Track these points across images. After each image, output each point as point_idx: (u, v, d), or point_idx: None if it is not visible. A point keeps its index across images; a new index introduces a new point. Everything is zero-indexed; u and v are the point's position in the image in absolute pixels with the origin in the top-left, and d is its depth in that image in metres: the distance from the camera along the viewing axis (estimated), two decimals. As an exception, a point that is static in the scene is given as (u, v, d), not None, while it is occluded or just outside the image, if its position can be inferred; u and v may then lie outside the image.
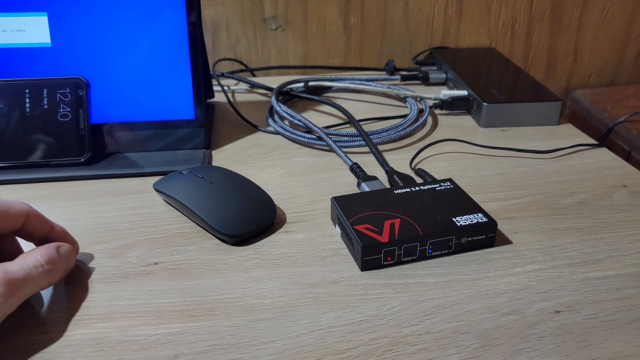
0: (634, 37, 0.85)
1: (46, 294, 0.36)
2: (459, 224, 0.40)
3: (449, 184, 0.45)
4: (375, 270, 0.38)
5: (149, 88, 0.54)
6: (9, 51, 0.52)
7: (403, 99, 0.69)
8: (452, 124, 0.63)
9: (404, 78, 0.73)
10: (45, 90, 0.50)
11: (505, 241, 0.42)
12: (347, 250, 0.41)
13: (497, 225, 0.40)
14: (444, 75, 0.74)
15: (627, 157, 0.70)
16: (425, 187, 0.45)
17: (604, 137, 0.74)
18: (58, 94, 0.51)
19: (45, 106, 0.50)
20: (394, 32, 0.79)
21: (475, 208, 0.42)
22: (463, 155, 0.55)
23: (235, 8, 0.74)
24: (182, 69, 0.54)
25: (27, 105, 0.50)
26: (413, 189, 0.44)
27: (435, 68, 0.77)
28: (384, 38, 0.80)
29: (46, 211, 0.45)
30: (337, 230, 0.43)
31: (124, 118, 0.54)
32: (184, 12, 0.52)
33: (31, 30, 0.52)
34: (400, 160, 0.54)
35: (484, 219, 0.41)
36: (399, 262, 0.39)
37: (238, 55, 0.78)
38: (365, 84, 0.70)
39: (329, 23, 0.77)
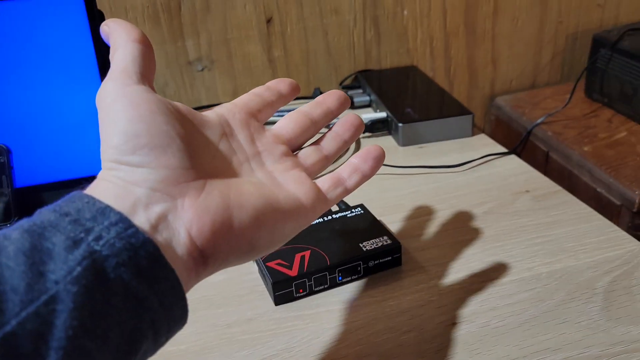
0: (547, 41, 0.90)
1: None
2: (365, 249, 0.42)
3: (359, 209, 0.48)
4: (289, 303, 0.41)
5: (74, 146, 0.56)
6: None
7: (327, 125, 0.72)
8: (374, 146, 0.65)
9: (329, 105, 0.76)
10: (-35, 161, 0.52)
11: (413, 259, 0.44)
12: (264, 286, 0.43)
13: (400, 246, 0.43)
14: (367, 98, 0.77)
15: (546, 159, 0.74)
16: (337, 216, 0.47)
17: (525, 141, 0.78)
18: (-21, 163, 0.52)
19: (-33, 176, 0.52)
20: (318, 61, 0.82)
21: (382, 231, 0.44)
22: (381, 177, 0.58)
23: (158, 54, 0.76)
24: (102, 124, 0.56)
25: (-51, 177, 0.51)
26: (325, 219, 0.47)
27: (361, 91, 0.80)
28: (309, 67, 0.83)
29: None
30: (256, 267, 0.45)
31: (51, 178, 0.56)
32: (97, 73, 0.54)
33: (-54, 103, 0.53)
34: (321, 189, 0.56)
35: (389, 241, 0.43)
36: (312, 293, 0.41)
37: (168, 97, 0.80)
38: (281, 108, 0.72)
39: (253, 59, 0.80)
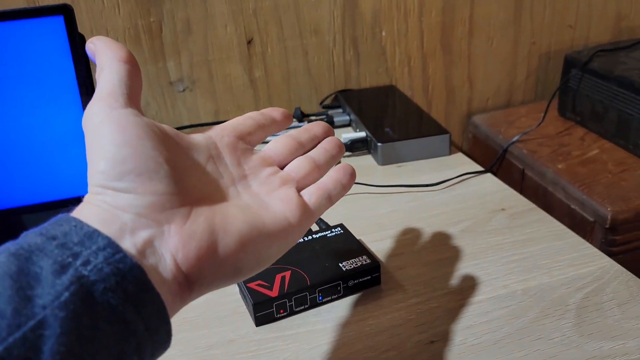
0: (521, 60, 0.92)
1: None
2: (344, 269, 0.43)
3: (339, 229, 0.48)
4: (270, 324, 0.41)
5: (55, 168, 0.56)
6: None
7: (309, 145, 0.72)
8: (354, 165, 0.66)
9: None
10: (-57, 184, 0.51)
11: (392, 278, 0.45)
12: (245, 307, 0.43)
13: (379, 265, 0.44)
14: (347, 118, 0.78)
15: (522, 176, 0.76)
16: (317, 236, 0.48)
17: (501, 159, 0.79)
18: (-43, 186, 0.52)
19: (-55, 200, 0.51)
20: (298, 81, 0.84)
21: (361, 251, 0.45)
22: (361, 197, 0.59)
23: (140, 75, 0.77)
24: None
25: None
26: (306, 239, 0.47)
27: (341, 111, 0.81)
28: (290, 87, 0.84)
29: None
30: (237, 288, 0.45)
31: (32, 200, 0.55)
32: (77, 95, 0.55)
33: None
34: (302, 209, 0.57)
35: (368, 261, 0.44)
36: (292, 313, 0.42)
37: (150, 118, 0.80)
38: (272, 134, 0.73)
39: (234, 79, 0.81)
